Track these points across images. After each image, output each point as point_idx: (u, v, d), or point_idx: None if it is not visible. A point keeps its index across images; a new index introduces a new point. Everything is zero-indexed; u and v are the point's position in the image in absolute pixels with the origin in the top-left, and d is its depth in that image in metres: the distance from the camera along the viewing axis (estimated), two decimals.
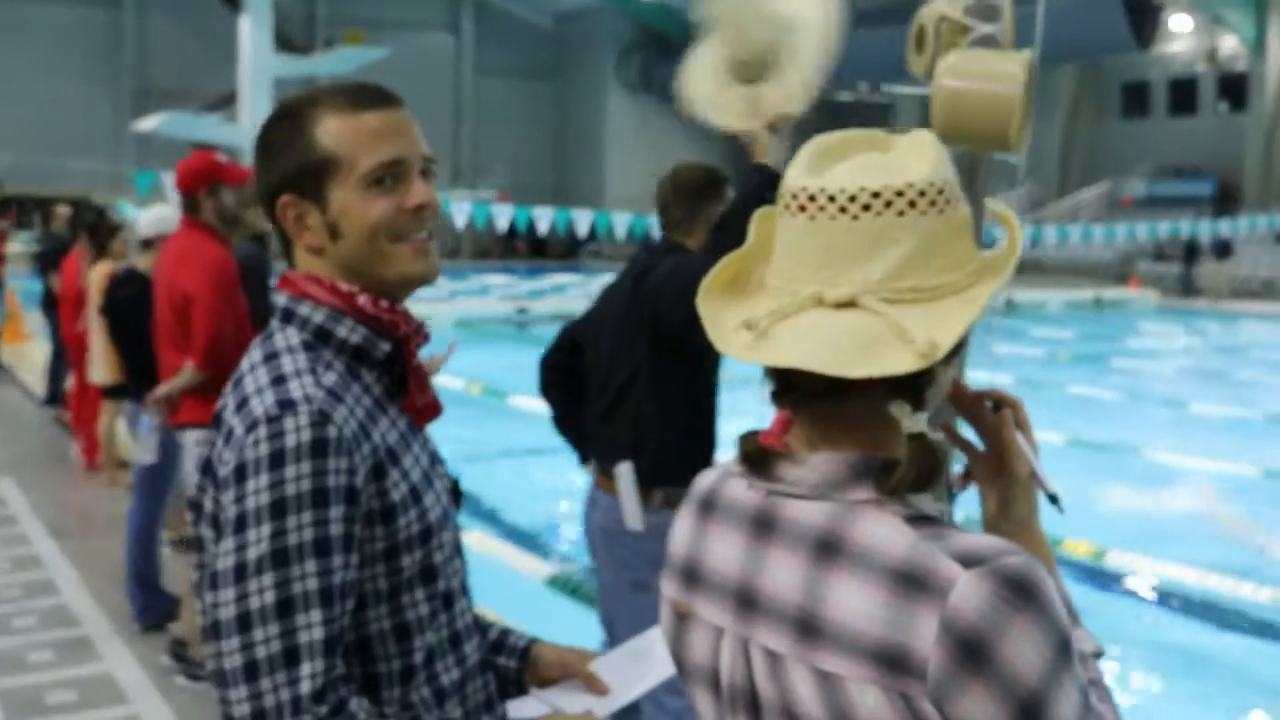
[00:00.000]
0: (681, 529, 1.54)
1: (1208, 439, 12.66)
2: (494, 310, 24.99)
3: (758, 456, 1.43)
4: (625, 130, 48.26)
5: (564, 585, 6.80)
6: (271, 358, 1.78)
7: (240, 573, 1.64)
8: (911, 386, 1.35)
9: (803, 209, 1.37)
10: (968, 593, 1.24)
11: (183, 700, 5.36)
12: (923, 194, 1.33)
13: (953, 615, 1.24)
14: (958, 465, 1.63)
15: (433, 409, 1.92)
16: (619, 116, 47.15)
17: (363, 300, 1.82)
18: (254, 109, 30.07)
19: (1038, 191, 41.47)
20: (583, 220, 19.51)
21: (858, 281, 1.33)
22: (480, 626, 2.07)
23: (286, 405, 1.69)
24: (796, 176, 1.39)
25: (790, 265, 1.39)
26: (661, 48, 50.08)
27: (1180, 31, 41.35)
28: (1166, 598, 7.39)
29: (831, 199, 1.34)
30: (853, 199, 1.33)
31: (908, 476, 1.33)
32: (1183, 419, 14.04)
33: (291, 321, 1.83)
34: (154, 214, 7.01)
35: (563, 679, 2.11)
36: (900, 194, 1.33)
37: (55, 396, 12.53)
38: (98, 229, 9.83)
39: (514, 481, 10.28)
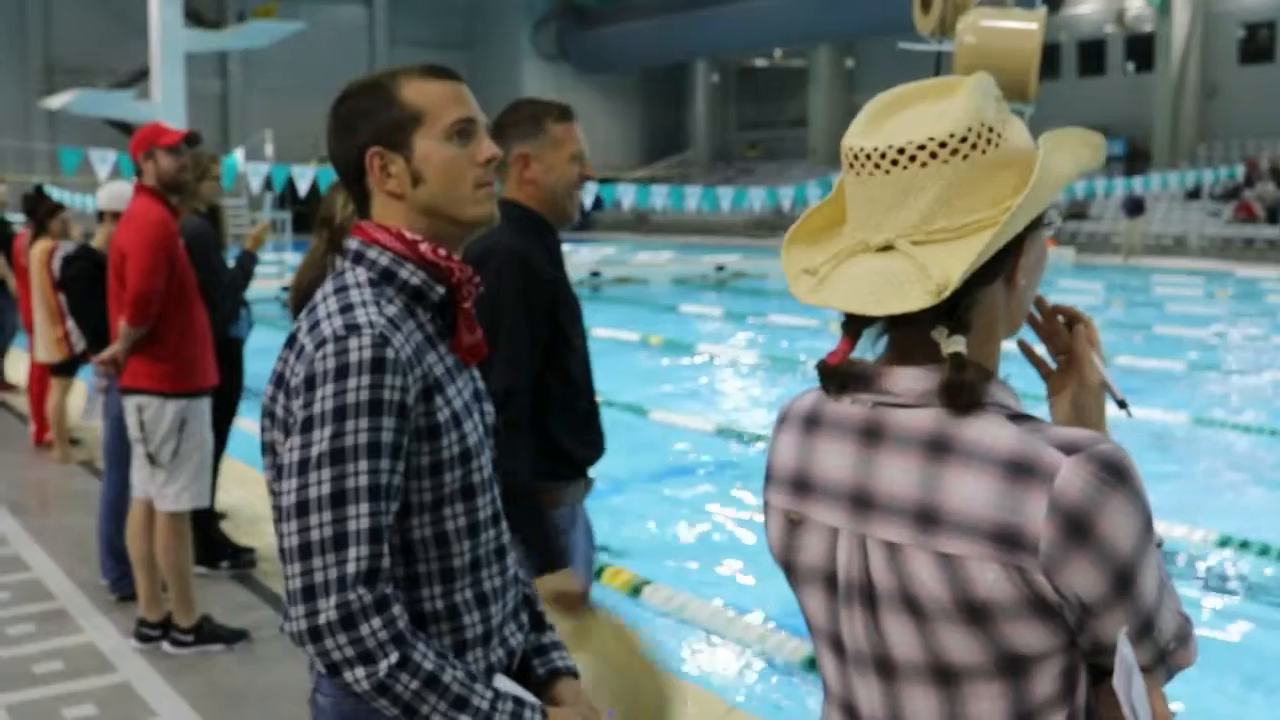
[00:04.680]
0: (786, 445, 1.70)
1: (1135, 388, 13.04)
2: None
3: (861, 374, 1.60)
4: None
5: None
6: (341, 290, 2.04)
7: (303, 467, 1.90)
8: (949, 313, 1.52)
9: (851, 166, 1.57)
10: (1071, 476, 1.43)
11: (169, 666, 5.44)
12: (943, 145, 1.50)
13: (1059, 496, 1.42)
14: None
15: (479, 348, 2.17)
16: (535, 85, 46.99)
17: (424, 248, 2.07)
18: (165, 84, 29.59)
19: None
20: None
21: (894, 227, 1.52)
22: (540, 617, 2.34)
23: (353, 328, 1.94)
24: (851, 137, 1.58)
25: (850, 215, 1.60)
26: (577, 16, 50.07)
27: None
28: None
29: (868, 156, 1.53)
30: (883, 155, 1.52)
31: (965, 392, 1.50)
32: (1109, 369, 14.40)
33: (361, 263, 2.08)
34: (110, 190, 7.03)
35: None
36: (922, 147, 1.50)
37: None
38: (37, 208, 9.79)
39: None
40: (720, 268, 29.15)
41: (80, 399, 9.01)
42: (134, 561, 5.72)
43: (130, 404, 5.52)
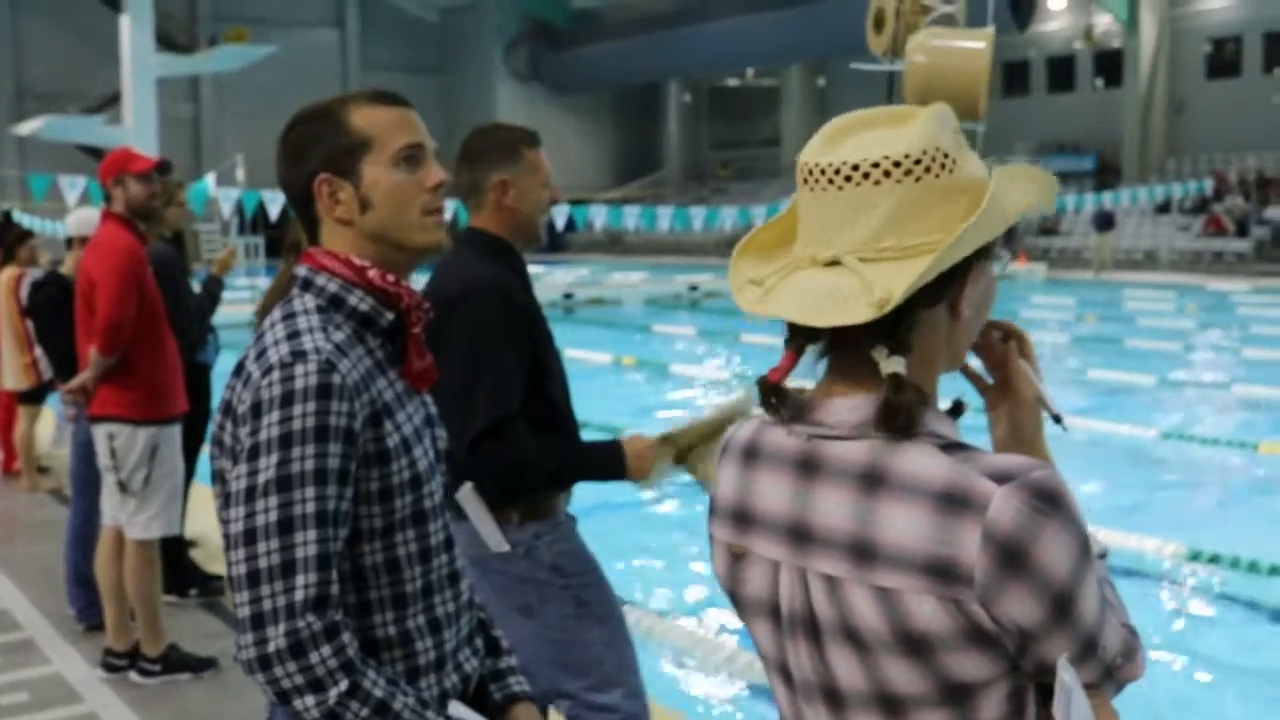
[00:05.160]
0: (727, 478, 1.70)
1: (1105, 403, 13.10)
2: None
3: (798, 404, 1.61)
4: (515, 120, 47.73)
5: None
6: (289, 317, 2.04)
7: (250, 494, 1.90)
8: (888, 333, 1.52)
9: (805, 181, 1.57)
10: (1003, 506, 1.42)
11: (137, 695, 5.40)
12: (897, 164, 1.50)
13: (992, 526, 1.41)
14: None
15: (429, 374, 2.17)
16: (509, 107, 47.05)
17: (372, 274, 2.07)
18: (137, 109, 29.62)
19: None
20: None
21: (842, 243, 1.52)
22: (496, 643, 2.34)
23: (298, 355, 1.94)
24: (807, 153, 1.58)
25: (802, 232, 1.59)
26: (548, 37, 50.14)
27: (1057, 10, 42.24)
28: None
29: (823, 172, 1.54)
30: (837, 171, 1.52)
31: (901, 414, 1.50)
32: (1080, 384, 14.50)
33: (309, 289, 2.08)
34: (78, 216, 7.02)
35: None
36: (876, 165, 1.50)
37: None
38: (5, 235, 9.75)
39: None
40: (694, 287, 29.17)
41: (48, 427, 8.97)
42: (103, 590, 5.68)
43: (101, 432, 5.48)
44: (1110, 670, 1.55)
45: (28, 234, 9.68)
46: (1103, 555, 1.69)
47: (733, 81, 53.41)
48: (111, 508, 5.59)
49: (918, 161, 1.50)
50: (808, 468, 1.57)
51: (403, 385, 2.11)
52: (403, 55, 50.38)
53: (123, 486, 5.46)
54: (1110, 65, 40.92)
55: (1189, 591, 7.40)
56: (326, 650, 1.86)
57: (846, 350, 1.56)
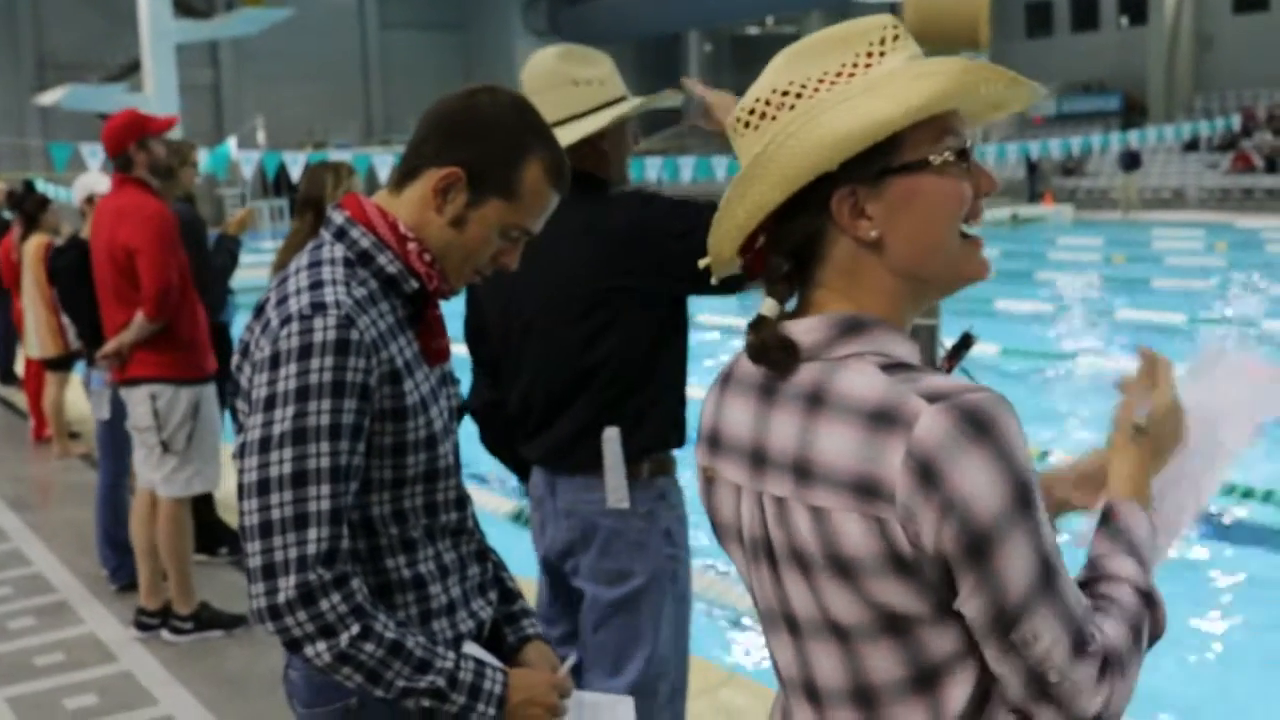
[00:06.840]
0: (708, 404, 1.70)
1: (1135, 343, 13.01)
2: None
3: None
4: None
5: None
6: (315, 266, 2.01)
7: (265, 445, 1.90)
8: (798, 270, 1.56)
9: None
10: (929, 423, 1.36)
11: (169, 654, 5.45)
12: (750, 113, 1.55)
13: (915, 444, 1.36)
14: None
15: (444, 351, 2.16)
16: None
17: (412, 248, 2.04)
18: (158, 76, 29.49)
19: None
20: None
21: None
22: (509, 589, 2.35)
23: (319, 307, 1.92)
24: None
25: None
26: None
27: None
28: None
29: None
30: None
31: (761, 355, 1.54)
32: (1109, 324, 14.41)
33: (342, 239, 2.05)
34: (82, 180, 7.04)
35: None
36: (738, 119, 1.57)
37: (7, 375, 12.42)
38: (25, 203, 9.78)
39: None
40: None
41: (77, 393, 9.03)
42: (137, 550, 5.72)
43: (140, 394, 5.50)
44: (1040, 680, 1.39)
45: (46, 200, 9.72)
46: (1146, 594, 1.54)
47: (753, 30, 53.07)
48: (146, 469, 5.61)
49: (751, 112, 1.54)
50: (768, 391, 1.56)
51: (420, 346, 2.09)
52: (421, 13, 50.13)
53: (165, 446, 5.49)
54: (1135, 2, 40.41)
55: (1222, 525, 7.37)
56: (336, 597, 1.87)
57: (802, 285, 1.59)
